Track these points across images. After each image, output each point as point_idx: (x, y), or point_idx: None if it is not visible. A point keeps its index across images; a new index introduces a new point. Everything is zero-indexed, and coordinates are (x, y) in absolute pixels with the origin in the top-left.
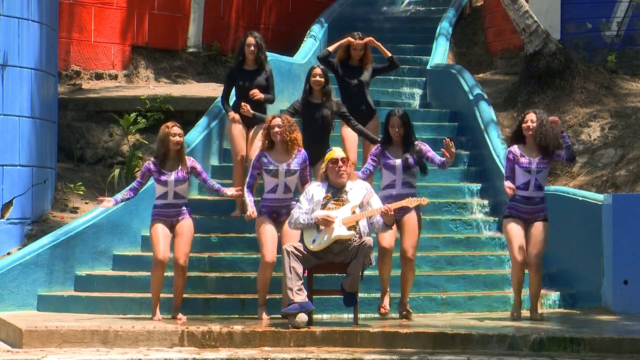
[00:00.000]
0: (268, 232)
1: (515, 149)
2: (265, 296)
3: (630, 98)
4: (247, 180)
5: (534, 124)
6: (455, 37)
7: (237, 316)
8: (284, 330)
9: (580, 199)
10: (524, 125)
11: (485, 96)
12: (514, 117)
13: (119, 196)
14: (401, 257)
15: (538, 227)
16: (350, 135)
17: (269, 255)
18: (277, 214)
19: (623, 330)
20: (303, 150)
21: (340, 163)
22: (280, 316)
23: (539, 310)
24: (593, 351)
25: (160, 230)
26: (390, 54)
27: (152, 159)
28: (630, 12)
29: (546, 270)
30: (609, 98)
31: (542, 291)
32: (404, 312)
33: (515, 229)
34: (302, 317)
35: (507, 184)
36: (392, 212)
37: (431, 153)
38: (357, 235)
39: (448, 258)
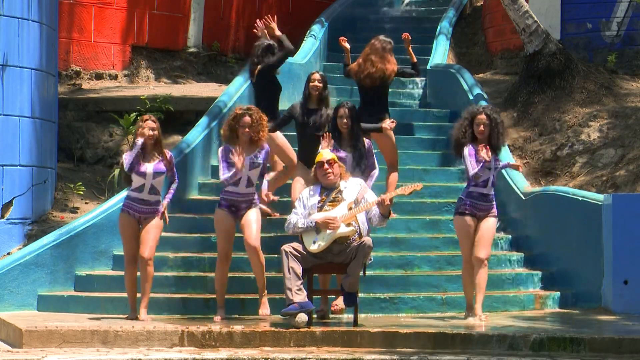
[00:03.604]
0: (225, 229)
1: (473, 146)
2: (224, 296)
3: (630, 98)
4: (226, 178)
5: (487, 128)
6: (455, 37)
7: (237, 316)
8: (284, 330)
9: (580, 199)
10: (477, 128)
11: (485, 96)
12: (514, 117)
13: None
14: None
15: (489, 223)
16: (382, 140)
17: (223, 250)
18: (237, 207)
19: (623, 330)
20: (267, 146)
21: (325, 165)
22: (280, 316)
23: (481, 313)
24: (593, 351)
25: (129, 230)
26: (415, 60)
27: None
28: (630, 12)
29: (546, 270)
30: (608, 98)
31: (543, 291)
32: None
33: (468, 227)
34: (302, 317)
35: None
36: (389, 202)
37: (371, 160)
38: (357, 233)
39: (448, 258)
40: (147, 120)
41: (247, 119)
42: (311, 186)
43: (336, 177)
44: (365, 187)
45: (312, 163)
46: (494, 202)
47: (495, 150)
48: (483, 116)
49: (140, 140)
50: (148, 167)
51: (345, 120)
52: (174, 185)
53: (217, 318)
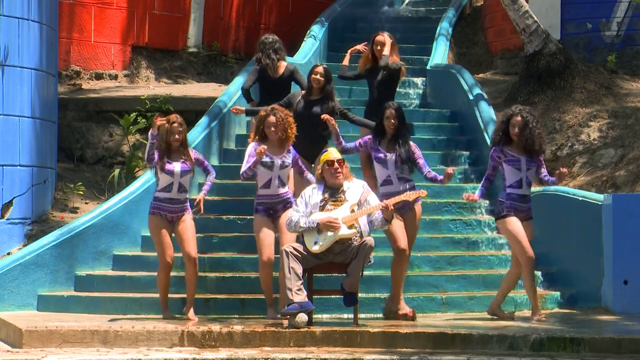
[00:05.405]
0: (266, 234)
1: (498, 148)
2: (272, 296)
3: (630, 98)
4: (244, 170)
5: (521, 130)
6: (455, 37)
7: (237, 316)
8: (284, 330)
9: (580, 199)
10: (512, 129)
11: (485, 96)
12: None
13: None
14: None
15: (528, 226)
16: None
17: (266, 256)
18: (274, 210)
19: (623, 330)
20: (293, 150)
21: (336, 164)
22: (279, 316)
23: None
24: (593, 351)
25: (164, 232)
26: (384, 53)
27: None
28: (630, 12)
29: (546, 270)
30: (608, 98)
31: (542, 291)
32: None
33: (520, 227)
34: (302, 317)
35: (466, 195)
36: (392, 208)
37: (422, 161)
38: (358, 234)
39: (448, 258)
40: (174, 122)
41: (272, 118)
42: (314, 184)
43: (344, 178)
44: (368, 190)
45: (308, 155)
46: (531, 203)
47: (530, 152)
48: (518, 118)
49: (154, 132)
50: (176, 166)
51: (392, 121)
52: (211, 177)
53: (269, 316)
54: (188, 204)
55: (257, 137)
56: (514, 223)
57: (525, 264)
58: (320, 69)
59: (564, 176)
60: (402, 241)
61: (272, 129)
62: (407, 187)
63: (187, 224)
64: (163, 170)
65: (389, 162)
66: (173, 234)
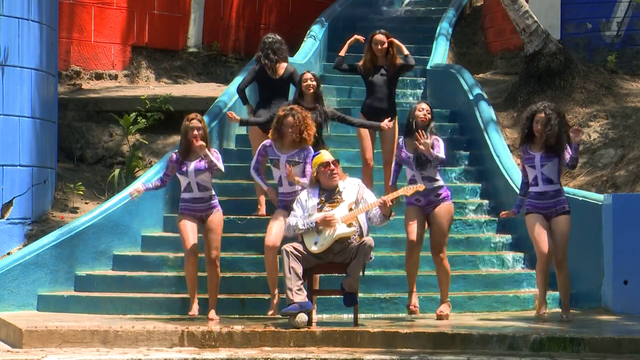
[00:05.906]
0: (278, 220)
1: (524, 147)
2: (276, 283)
3: (630, 98)
4: (253, 164)
5: (543, 127)
6: (455, 37)
7: (237, 316)
8: (284, 330)
9: (580, 199)
10: (535, 126)
11: (485, 96)
12: (514, 117)
13: (148, 184)
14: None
15: (559, 222)
16: (364, 134)
17: (271, 239)
18: (290, 208)
19: (623, 330)
20: (311, 148)
21: (331, 166)
22: (280, 316)
23: (569, 311)
24: (593, 351)
25: (188, 224)
26: (407, 52)
27: (176, 151)
28: (630, 12)
29: None
30: (608, 98)
31: None
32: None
33: (537, 223)
34: (302, 317)
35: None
36: (390, 203)
37: (437, 149)
38: (358, 232)
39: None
40: (193, 119)
41: (290, 119)
42: (308, 189)
43: (339, 178)
44: (364, 187)
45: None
46: (560, 199)
47: (549, 148)
48: (542, 114)
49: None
50: (189, 166)
51: (424, 114)
52: (217, 162)
53: (270, 313)
54: (216, 200)
55: (275, 134)
56: (531, 220)
57: (538, 260)
58: (309, 75)
59: (579, 133)
60: (413, 235)
61: (290, 129)
62: (434, 186)
63: (214, 224)
64: (178, 172)
65: (411, 162)
66: (200, 234)
